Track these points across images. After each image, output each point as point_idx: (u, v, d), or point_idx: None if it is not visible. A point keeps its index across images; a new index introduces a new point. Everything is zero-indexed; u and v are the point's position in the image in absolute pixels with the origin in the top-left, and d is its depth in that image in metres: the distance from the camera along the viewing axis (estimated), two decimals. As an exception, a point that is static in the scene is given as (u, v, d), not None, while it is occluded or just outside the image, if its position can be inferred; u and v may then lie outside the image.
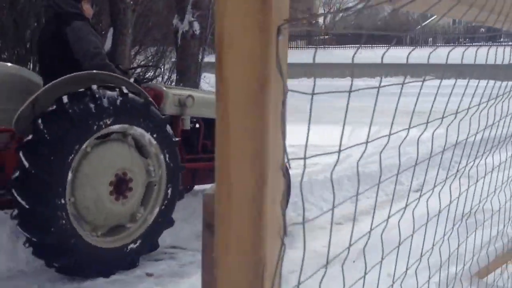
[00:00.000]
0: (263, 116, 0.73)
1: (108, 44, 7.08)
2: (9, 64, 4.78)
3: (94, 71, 3.61)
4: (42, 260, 3.35)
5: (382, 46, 30.33)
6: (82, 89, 3.37)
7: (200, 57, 10.76)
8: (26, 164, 3.16)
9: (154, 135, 3.70)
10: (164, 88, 4.27)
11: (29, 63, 7.24)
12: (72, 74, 3.46)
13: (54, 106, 3.27)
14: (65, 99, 3.29)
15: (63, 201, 3.24)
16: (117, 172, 3.54)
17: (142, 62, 10.47)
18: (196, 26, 8.71)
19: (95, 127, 3.38)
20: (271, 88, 0.74)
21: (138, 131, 3.63)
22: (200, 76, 9.52)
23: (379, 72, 25.53)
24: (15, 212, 3.20)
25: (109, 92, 3.45)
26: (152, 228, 3.75)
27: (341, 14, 38.30)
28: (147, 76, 9.15)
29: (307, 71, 26.05)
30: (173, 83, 9.65)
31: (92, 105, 3.35)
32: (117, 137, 3.63)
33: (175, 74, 9.65)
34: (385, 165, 6.93)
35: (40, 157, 3.19)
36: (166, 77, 10.98)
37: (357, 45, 29.93)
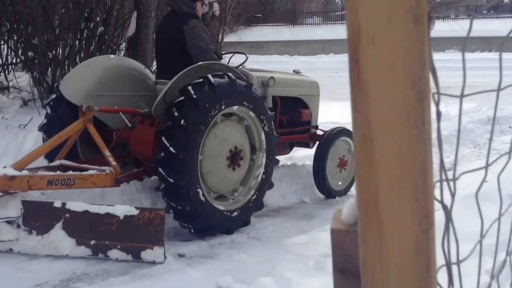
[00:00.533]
0: (424, 135, 0.55)
1: (132, 28, 7.05)
2: (112, 56, 5.55)
3: (207, 62, 4.26)
4: (182, 223, 3.99)
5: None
6: (200, 79, 3.94)
7: (220, 37, 10.56)
8: (168, 146, 3.76)
9: (256, 112, 4.29)
10: (250, 72, 4.81)
11: (58, 48, 7.28)
12: (191, 66, 4.12)
13: (183, 97, 3.87)
14: (190, 89, 3.87)
15: (197, 175, 3.89)
16: (231, 148, 4.19)
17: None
18: (216, 7, 8.68)
19: (216, 110, 3.97)
20: (429, 98, 0.56)
21: (243, 110, 4.23)
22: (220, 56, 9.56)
23: None
24: (162, 186, 3.84)
25: (221, 80, 4.00)
26: (258, 191, 4.37)
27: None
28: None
29: (325, 47, 25.81)
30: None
31: (211, 92, 3.91)
32: (229, 117, 4.26)
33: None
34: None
35: (178, 140, 3.79)
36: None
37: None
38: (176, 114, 3.82)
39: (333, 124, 6.08)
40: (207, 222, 3.97)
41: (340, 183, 5.23)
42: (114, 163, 4.06)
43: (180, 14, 4.53)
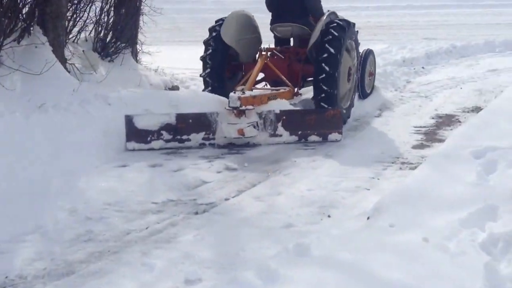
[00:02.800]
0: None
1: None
2: (242, 10, 6.83)
3: (331, 12, 6.39)
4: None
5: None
6: (335, 24, 6.04)
7: None
8: (327, 69, 5.88)
9: (354, 42, 6.53)
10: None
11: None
12: (325, 16, 6.23)
13: (330, 36, 5.95)
14: (332, 30, 5.95)
15: (338, 85, 5.99)
16: (348, 68, 6.40)
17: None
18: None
19: (345, 42, 6.09)
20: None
21: (351, 42, 6.45)
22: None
23: None
24: (322, 95, 5.96)
25: (345, 23, 6.14)
26: (352, 97, 6.65)
27: None
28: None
29: None
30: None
31: (343, 31, 6.01)
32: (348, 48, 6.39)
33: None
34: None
35: (332, 64, 5.89)
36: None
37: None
38: (329, 48, 5.87)
39: None
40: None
41: (368, 88, 7.42)
42: (289, 83, 6.21)
43: None
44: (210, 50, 6.32)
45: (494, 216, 3.07)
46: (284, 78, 6.18)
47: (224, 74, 6.42)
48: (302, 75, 6.43)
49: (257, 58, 6.39)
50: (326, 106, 5.89)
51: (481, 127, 4.77)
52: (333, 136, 5.57)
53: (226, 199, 4.18)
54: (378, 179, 4.56)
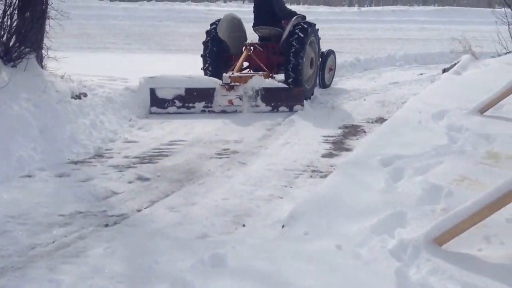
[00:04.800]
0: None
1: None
2: (232, 14, 8.78)
3: (298, 15, 8.46)
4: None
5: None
6: (300, 26, 8.00)
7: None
8: (295, 60, 7.82)
9: (315, 38, 8.48)
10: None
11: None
12: (294, 19, 8.24)
13: (296, 35, 7.85)
14: (298, 31, 7.87)
15: (303, 71, 7.95)
16: (310, 58, 8.36)
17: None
18: None
19: (308, 39, 7.97)
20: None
21: (313, 38, 8.32)
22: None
23: None
24: (290, 79, 7.89)
25: (308, 25, 8.03)
26: (314, 81, 8.72)
27: None
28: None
29: None
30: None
31: (305, 31, 7.91)
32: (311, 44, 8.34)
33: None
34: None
35: (298, 56, 7.84)
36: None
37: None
38: (295, 44, 7.79)
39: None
40: (306, 92, 7.97)
41: (327, 80, 9.27)
42: (266, 69, 8.03)
43: None
44: (208, 49, 8.28)
45: (403, 222, 3.20)
46: (262, 65, 8.08)
47: (219, 66, 8.24)
48: (276, 64, 8.38)
49: (243, 50, 8.10)
50: (296, 83, 7.85)
51: (388, 136, 5.00)
52: (297, 107, 7.45)
53: (138, 210, 4.04)
54: (291, 187, 4.63)
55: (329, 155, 5.63)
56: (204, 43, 8.34)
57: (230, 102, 7.29)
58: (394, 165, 4.14)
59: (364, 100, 8.45)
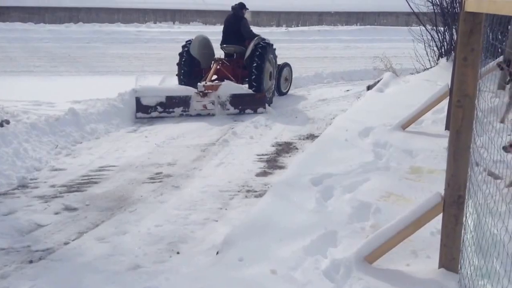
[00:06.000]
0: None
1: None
2: (201, 35, 10.05)
3: (259, 37, 9.72)
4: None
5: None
6: (260, 44, 9.41)
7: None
8: (257, 72, 9.20)
9: (273, 55, 9.80)
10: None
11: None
12: (255, 39, 9.58)
13: (257, 52, 9.25)
14: (258, 48, 9.27)
15: (263, 81, 9.28)
16: (269, 71, 9.68)
17: None
18: None
19: (267, 57, 9.50)
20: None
21: (270, 55, 9.61)
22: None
23: (148, 18, 25.65)
24: (254, 88, 9.04)
25: (267, 44, 9.46)
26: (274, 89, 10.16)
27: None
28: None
29: (72, 15, 24.46)
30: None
31: (265, 50, 9.33)
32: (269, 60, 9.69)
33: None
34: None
35: (259, 69, 9.15)
36: None
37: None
38: (257, 60, 9.13)
39: (97, 100, 8.37)
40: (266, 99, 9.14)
41: (284, 89, 10.65)
42: (232, 79, 9.32)
43: (238, 16, 9.86)
44: (183, 60, 9.59)
45: (334, 241, 3.26)
46: (230, 76, 9.41)
47: (191, 75, 9.55)
48: (241, 76, 9.65)
49: (212, 64, 9.61)
50: (257, 91, 9.06)
51: (317, 155, 5.10)
52: (260, 110, 8.73)
53: (66, 243, 3.87)
54: (226, 209, 4.60)
55: (263, 173, 5.67)
56: (179, 60, 9.71)
57: (204, 106, 8.57)
58: (324, 184, 4.22)
59: (296, 117, 8.62)
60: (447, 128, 5.57)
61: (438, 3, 10.15)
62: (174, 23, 25.47)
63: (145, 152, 6.45)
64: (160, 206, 4.65)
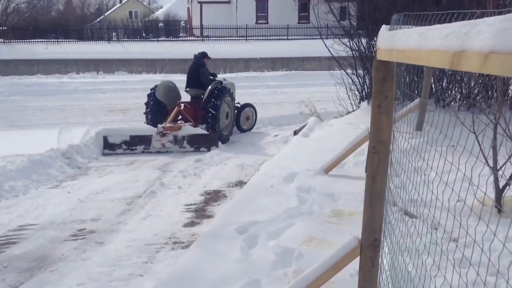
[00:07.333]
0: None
1: None
2: (168, 80, 11.71)
3: (216, 81, 10.91)
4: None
5: (70, 41, 30.35)
6: (217, 88, 10.50)
7: None
8: (214, 112, 10.24)
9: (230, 97, 10.99)
10: (224, 80, 11.64)
11: None
12: (213, 83, 10.71)
13: (214, 94, 10.39)
14: (215, 91, 10.42)
15: (219, 121, 10.43)
16: (225, 112, 10.90)
17: None
18: None
19: (223, 99, 10.50)
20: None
21: (227, 97, 10.73)
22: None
23: (70, 68, 25.65)
24: (210, 126, 10.22)
25: (223, 87, 10.63)
26: (229, 130, 11.11)
27: (13, 6, 36.93)
28: None
29: None
30: None
31: (221, 93, 10.41)
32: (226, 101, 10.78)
33: None
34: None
35: (215, 109, 10.25)
36: None
37: (38, 40, 29.22)
38: (213, 100, 10.21)
39: (17, 155, 7.99)
40: (222, 137, 10.31)
41: (245, 126, 11.85)
42: (192, 121, 10.46)
43: (198, 64, 10.98)
44: (151, 101, 10.74)
45: (258, 290, 3.28)
46: (189, 118, 10.56)
47: (158, 115, 10.61)
48: (201, 116, 10.58)
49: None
50: (213, 131, 10.08)
51: (243, 203, 5.15)
52: (213, 148, 9.66)
53: (-20, 311, 3.66)
54: (152, 263, 4.52)
55: (191, 224, 5.64)
56: (146, 103, 10.95)
57: (163, 145, 9.64)
58: (249, 232, 4.26)
59: (225, 164, 8.67)
60: (367, 170, 5.81)
61: (356, 48, 10.63)
62: (98, 73, 25.21)
63: (67, 208, 6.25)
64: (83, 264, 4.50)
